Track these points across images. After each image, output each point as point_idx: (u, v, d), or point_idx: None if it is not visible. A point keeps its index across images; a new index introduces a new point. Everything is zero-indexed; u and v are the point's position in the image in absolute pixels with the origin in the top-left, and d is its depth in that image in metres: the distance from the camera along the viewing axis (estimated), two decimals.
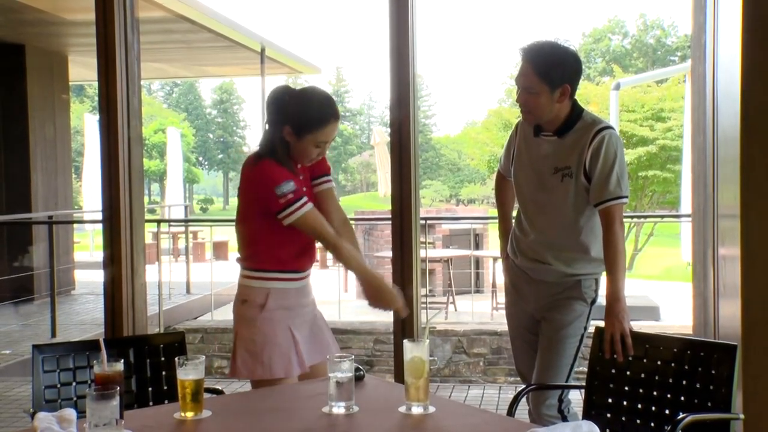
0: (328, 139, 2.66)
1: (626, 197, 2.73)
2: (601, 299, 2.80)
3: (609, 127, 2.74)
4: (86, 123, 12.87)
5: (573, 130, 2.76)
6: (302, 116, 2.61)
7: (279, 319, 2.65)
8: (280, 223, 2.60)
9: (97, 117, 4.75)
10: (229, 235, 16.16)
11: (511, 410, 2.53)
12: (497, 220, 3.19)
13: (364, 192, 47.71)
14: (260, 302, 2.65)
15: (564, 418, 2.76)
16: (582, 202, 2.77)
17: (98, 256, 4.32)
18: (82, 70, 10.12)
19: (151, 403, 2.60)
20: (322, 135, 2.63)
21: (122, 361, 2.06)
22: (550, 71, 2.69)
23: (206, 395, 2.17)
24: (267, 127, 2.70)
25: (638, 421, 2.46)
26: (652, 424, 2.42)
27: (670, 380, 2.41)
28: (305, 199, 2.59)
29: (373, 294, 2.63)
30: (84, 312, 8.33)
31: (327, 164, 2.82)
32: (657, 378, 2.45)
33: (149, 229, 10.44)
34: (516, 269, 2.97)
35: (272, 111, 2.66)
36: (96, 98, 4.15)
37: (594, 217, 2.78)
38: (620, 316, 2.60)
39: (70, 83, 10.13)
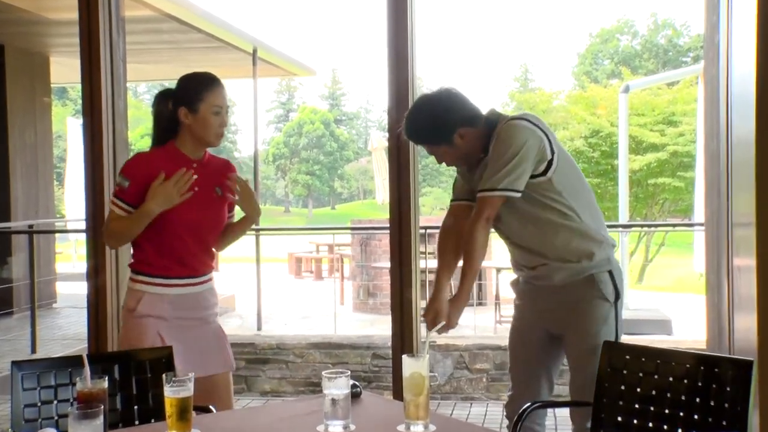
0: (222, 103, 2.73)
1: (500, 191, 2.61)
2: (610, 295, 2.67)
3: (514, 118, 2.67)
4: (69, 127, 12.77)
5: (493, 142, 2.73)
6: (189, 88, 2.72)
7: (146, 325, 2.73)
8: (151, 226, 2.71)
9: (80, 121, 4.70)
10: None
11: (515, 429, 2.47)
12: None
13: (361, 200, 47.49)
14: (131, 306, 2.75)
15: None
16: (538, 200, 2.66)
17: (81, 267, 4.23)
18: (65, 71, 10.00)
19: (137, 422, 2.54)
20: (213, 98, 2.70)
21: (106, 378, 2.04)
22: (435, 136, 2.71)
23: (195, 413, 2.12)
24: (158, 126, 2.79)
25: None
26: None
27: (683, 397, 2.35)
28: (121, 203, 2.71)
29: None
30: (66, 326, 8.22)
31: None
32: (669, 395, 2.39)
33: None
34: (522, 284, 2.88)
35: (162, 106, 2.76)
36: (79, 101, 4.18)
37: (571, 208, 2.66)
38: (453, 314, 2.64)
39: (51, 85, 10.08)
